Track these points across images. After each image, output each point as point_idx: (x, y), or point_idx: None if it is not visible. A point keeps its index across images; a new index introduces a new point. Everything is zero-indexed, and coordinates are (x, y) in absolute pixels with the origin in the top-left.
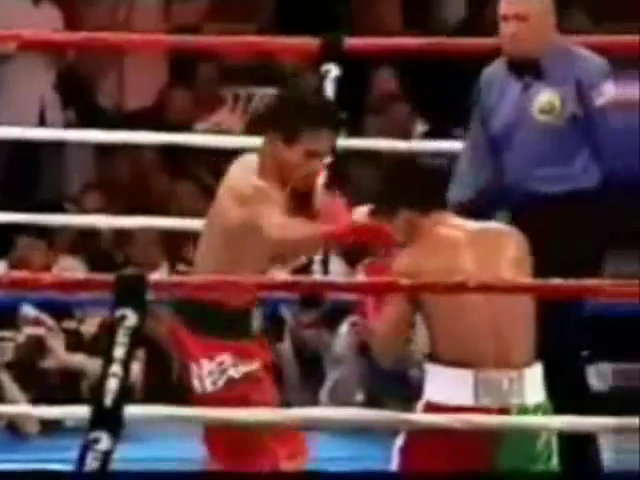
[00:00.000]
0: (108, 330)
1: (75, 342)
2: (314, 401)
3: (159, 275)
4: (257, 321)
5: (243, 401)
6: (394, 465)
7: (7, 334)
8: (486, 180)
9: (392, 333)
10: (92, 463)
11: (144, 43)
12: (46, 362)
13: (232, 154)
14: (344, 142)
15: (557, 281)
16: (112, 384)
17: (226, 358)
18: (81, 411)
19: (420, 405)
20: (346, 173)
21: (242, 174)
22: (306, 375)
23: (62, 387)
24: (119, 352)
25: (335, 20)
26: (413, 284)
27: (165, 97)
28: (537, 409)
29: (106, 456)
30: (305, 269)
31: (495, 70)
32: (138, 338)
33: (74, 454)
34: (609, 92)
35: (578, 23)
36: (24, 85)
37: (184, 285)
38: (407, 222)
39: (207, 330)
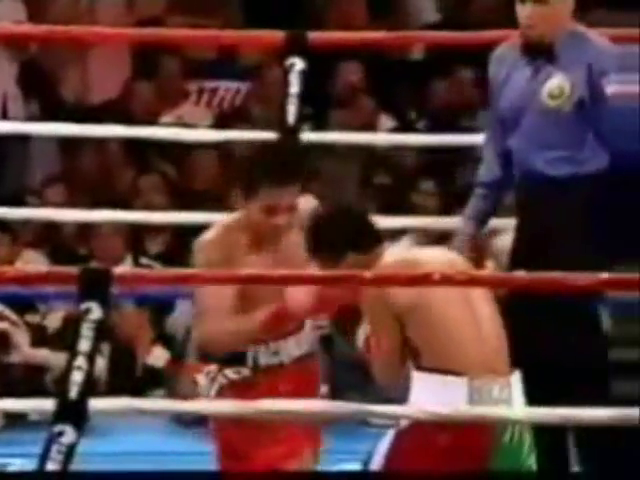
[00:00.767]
0: (72, 324)
1: (39, 336)
2: None
3: (123, 268)
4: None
5: None
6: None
7: None
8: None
9: (392, 361)
10: (56, 456)
11: (108, 36)
12: (10, 357)
13: (196, 148)
14: (309, 136)
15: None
16: (77, 377)
17: (212, 367)
18: (45, 404)
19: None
20: (314, 167)
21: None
22: None
23: (26, 381)
24: (84, 345)
25: (300, 14)
26: (376, 276)
27: (129, 90)
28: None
29: (70, 449)
30: None
31: (507, 50)
32: (103, 331)
33: (38, 448)
34: (619, 81)
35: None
36: None
37: (148, 278)
38: (355, 264)
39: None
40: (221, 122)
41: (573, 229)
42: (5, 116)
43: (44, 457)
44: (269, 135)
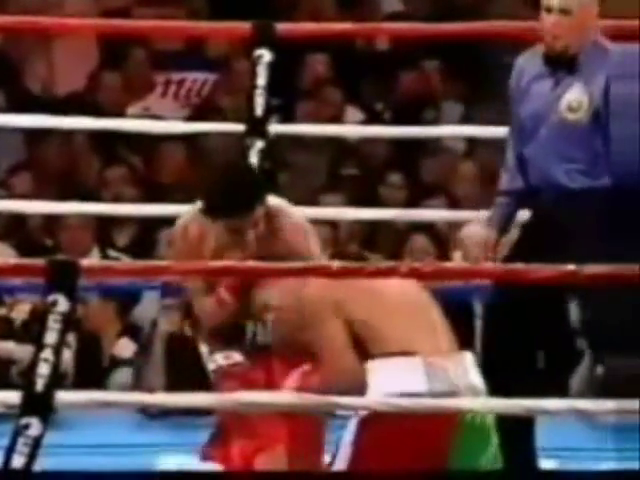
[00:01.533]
0: (39, 316)
1: (6, 329)
2: None
3: (90, 261)
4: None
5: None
6: (343, 458)
7: None
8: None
9: (352, 358)
10: (22, 449)
11: (74, 27)
12: None
13: (164, 139)
14: (277, 127)
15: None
16: (43, 370)
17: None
18: (11, 397)
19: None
20: (282, 158)
21: None
22: None
23: None
24: (50, 338)
25: (268, 6)
26: (343, 268)
27: (96, 81)
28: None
29: (36, 442)
30: None
31: (530, 58)
32: (69, 324)
33: (4, 441)
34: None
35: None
36: None
37: (115, 271)
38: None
39: None
40: (191, 114)
41: (587, 241)
42: None
43: (10, 450)
44: (237, 127)
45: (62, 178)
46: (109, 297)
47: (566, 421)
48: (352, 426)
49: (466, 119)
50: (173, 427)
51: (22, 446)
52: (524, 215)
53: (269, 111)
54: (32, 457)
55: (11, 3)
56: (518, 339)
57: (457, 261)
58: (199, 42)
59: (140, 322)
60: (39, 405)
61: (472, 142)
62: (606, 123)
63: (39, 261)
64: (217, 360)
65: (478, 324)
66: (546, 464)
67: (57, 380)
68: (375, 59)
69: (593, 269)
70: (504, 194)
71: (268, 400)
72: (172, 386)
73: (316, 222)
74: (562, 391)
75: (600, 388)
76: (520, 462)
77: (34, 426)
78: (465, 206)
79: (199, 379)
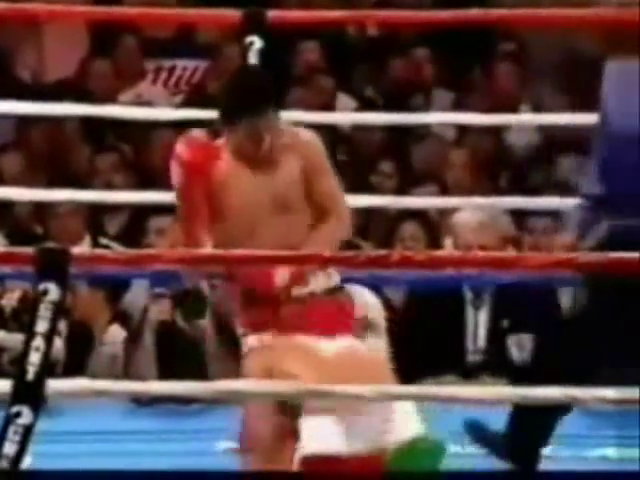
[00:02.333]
0: (29, 303)
1: None
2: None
3: (81, 249)
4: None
5: None
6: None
7: None
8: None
9: None
10: (13, 437)
11: (64, 14)
12: None
13: (155, 126)
14: None
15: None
16: (34, 358)
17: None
18: (2, 385)
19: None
20: None
21: None
22: (229, 351)
23: None
24: (41, 326)
25: None
26: (335, 256)
27: (86, 69)
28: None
29: (27, 430)
30: None
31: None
32: (60, 312)
33: None
34: None
35: None
36: None
37: (106, 259)
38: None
39: None
40: (182, 101)
41: None
42: None
43: (1, 438)
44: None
45: (52, 165)
46: (98, 285)
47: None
48: None
49: (457, 106)
50: (163, 414)
51: (13, 434)
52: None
53: None
54: (23, 445)
55: None
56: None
57: (448, 248)
58: (190, 29)
59: (130, 310)
60: (30, 393)
61: (462, 129)
62: None
63: (30, 249)
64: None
65: (469, 311)
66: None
67: (48, 368)
68: (366, 46)
69: (587, 257)
70: (587, 197)
71: (261, 389)
72: (163, 374)
73: None
74: None
75: None
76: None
77: (25, 414)
78: (455, 193)
79: (190, 367)
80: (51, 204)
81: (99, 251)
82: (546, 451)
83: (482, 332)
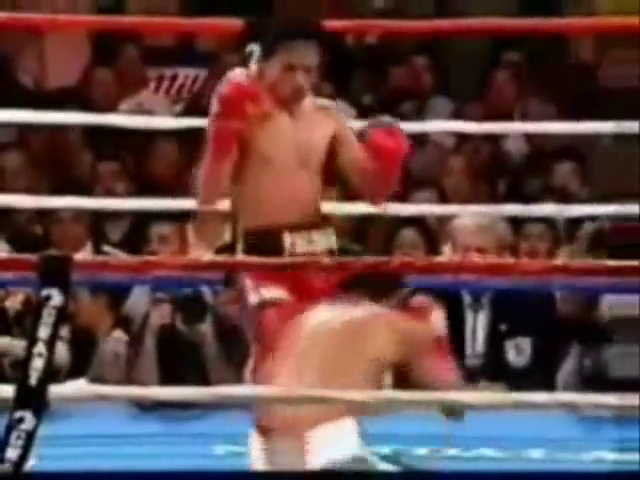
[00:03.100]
0: (32, 307)
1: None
2: (238, 380)
3: (83, 255)
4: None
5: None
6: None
7: None
8: None
9: None
10: (16, 443)
11: (66, 23)
12: None
13: (157, 134)
14: None
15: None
16: (37, 364)
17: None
18: (5, 391)
19: None
20: None
21: None
22: (229, 354)
23: None
24: (44, 332)
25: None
26: (336, 263)
27: (88, 77)
28: None
29: (30, 436)
30: (229, 249)
31: None
32: (63, 318)
33: None
34: None
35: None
36: None
37: (109, 266)
38: None
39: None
40: (184, 109)
41: None
42: None
43: (4, 443)
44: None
45: (55, 171)
46: (101, 291)
47: (553, 413)
48: None
49: (456, 115)
50: (166, 419)
51: (16, 440)
52: None
53: None
54: (26, 451)
55: None
56: None
57: (446, 255)
58: (192, 37)
59: (131, 315)
60: (33, 399)
61: (461, 137)
62: None
63: (33, 256)
64: (262, 294)
65: (468, 314)
66: (534, 454)
67: (51, 374)
68: (365, 54)
69: (581, 263)
70: None
71: (262, 394)
72: (164, 378)
73: None
74: None
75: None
76: None
77: (28, 420)
78: (454, 200)
79: (190, 371)
80: (54, 210)
81: (101, 258)
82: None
83: (480, 336)
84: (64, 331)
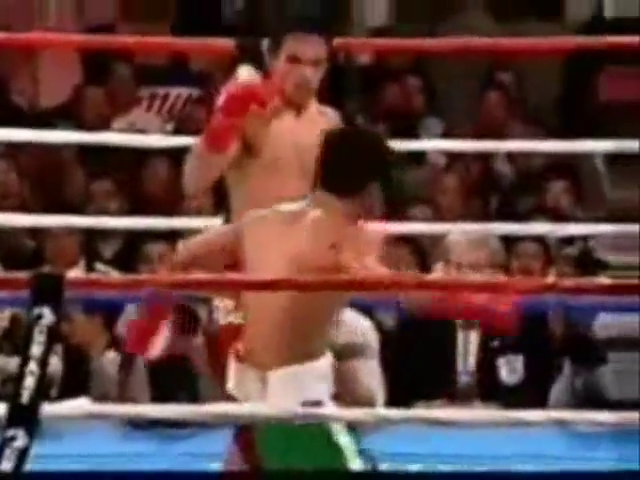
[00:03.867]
0: (20, 325)
1: None
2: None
3: (75, 273)
4: None
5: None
6: None
7: None
8: None
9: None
10: (8, 461)
11: (57, 43)
12: None
13: (147, 153)
14: None
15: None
16: (29, 382)
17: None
18: None
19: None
20: None
21: None
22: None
23: None
24: (36, 350)
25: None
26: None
27: (80, 96)
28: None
29: (22, 454)
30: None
31: None
32: (55, 336)
33: None
34: None
35: (478, 23)
36: None
37: (101, 284)
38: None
39: None
40: (176, 128)
41: None
42: None
43: None
44: None
45: (47, 190)
46: (94, 310)
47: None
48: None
49: (446, 134)
50: (158, 438)
51: (8, 458)
52: None
53: None
54: (18, 469)
55: None
56: None
57: (438, 272)
58: (184, 57)
59: (123, 333)
60: (25, 417)
61: (452, 156)
62: None
63: (24, 274)
64: (230, 317)
65: (460, 331)
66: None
67: (43, 392)
68: (356, 74)
69: (572, 282)
70: None
71: (254, 412)
72: (156, 396)
73: None
74: None
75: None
76: None
77: (20, 438)
78: (447, 218)
79: (183, 387)
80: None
81: (93, 276)
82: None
83: (472, 353)
84: (57, 348)
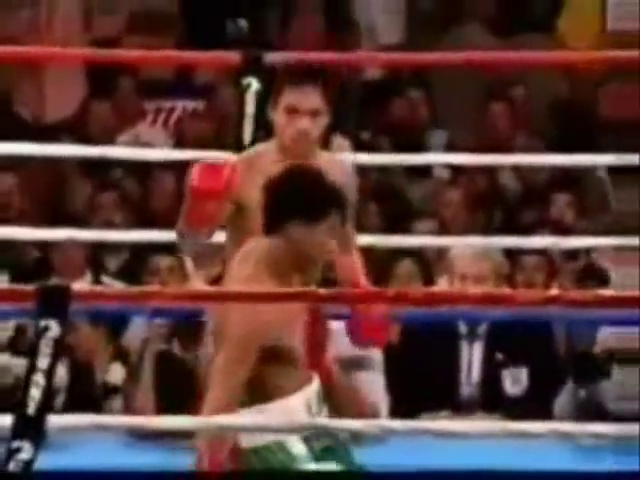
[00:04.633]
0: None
1: None
2: None
3: (81, 286)
4: None
5: None
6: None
7: None
8: None
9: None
10: (13, 473)
11: (62, 56)
12: None
13: (153, 166)
14: None
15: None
16: (35, 393)
17: None
18: (2, 420)
19: None
20: None
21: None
22: None
23: None
24: (42, 362)
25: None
26: (330, 294)
27: (85, 109)
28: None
29: (27, 466)
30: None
31: None
32: (61, 348)
33: None
34: None
35: (478, 39)
36: None
37: (107, 296)
38: (299, 237)
39: None
40: (181, 141)
41: None
42: None
43: (2, 473)
44: (225, 155)
45: (52, 203)
46: (99, 322)
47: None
48: None
49: (450, 147)
50: (163, 449)
51: (13, 470)
52: None
53: (256, 139)
54: None
55: (1, 28)
56: None
57: (443, 286)
58: (189, 70)
59: (130, 346)
60: (31, 429)
61: (457, 169)
62: None
63: (30, 287)
64: None
65: (464, 344)
66: None
67: (49, 404)
68: (361, 88)
69: (575, 294)
70: None
71: (259, 424)
72: (161, 406)
73: None
74: None
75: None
76: None
77: (25, 450)
78: (452, 231)
79: (188, 398)
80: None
81: (99, 288)
82: None
83: (476, 366)
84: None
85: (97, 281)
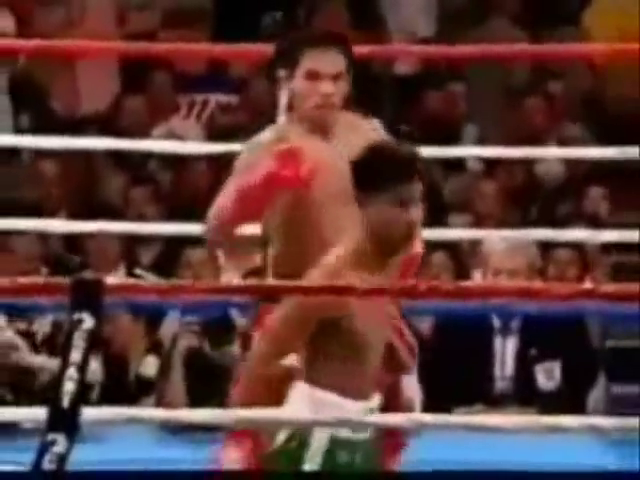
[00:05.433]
0: (61, 329)
1: (29, 342)
2: None
3: (114, 279)
4: None
5: None
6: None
7: None
8: None
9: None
10: (48, 466)
11: (97, 50)
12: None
13: (187, 159)
14: None
15: None
16: (69, 387)
17: None
18: (37, 413)
19: None
20: None
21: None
22: None
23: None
24: (75, 356)
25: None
26: (367, 288)
27: (119, 103)
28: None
29: (62, 458)
30: (258, 272)
31: None
32: (95, 341)
33: (30, 455)
34: None
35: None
36: None
37: (140, 289)
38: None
39: None
40: (215, 134)
41: None
42: None
43: (36, 467)
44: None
45: (86, 197)
46: (138, 315)
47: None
48: None
49: (481, 141)
50: (195, 443)
51: (48, 463)
52: None
53: None
54: (58, 474)
55: (35, 23)
56: None
57: (477, 279)
58: (223, 63)
59: (164, 339)
60: (65, 422)
61: (492, 162)
62: None
63: (64, 280)
64: None
65: (497, 339)
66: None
67: (83, 397)
68: (394, 82)
69: (609, 287)
70: None
71: (288, 417)
72: (193, 401)
73: None
74: None
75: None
76: None
77: (60, 443)
78: (486, 225)
79: (218, 395)
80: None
81: (132, 281)
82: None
83: (510, 360)
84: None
85: (130, 274)
